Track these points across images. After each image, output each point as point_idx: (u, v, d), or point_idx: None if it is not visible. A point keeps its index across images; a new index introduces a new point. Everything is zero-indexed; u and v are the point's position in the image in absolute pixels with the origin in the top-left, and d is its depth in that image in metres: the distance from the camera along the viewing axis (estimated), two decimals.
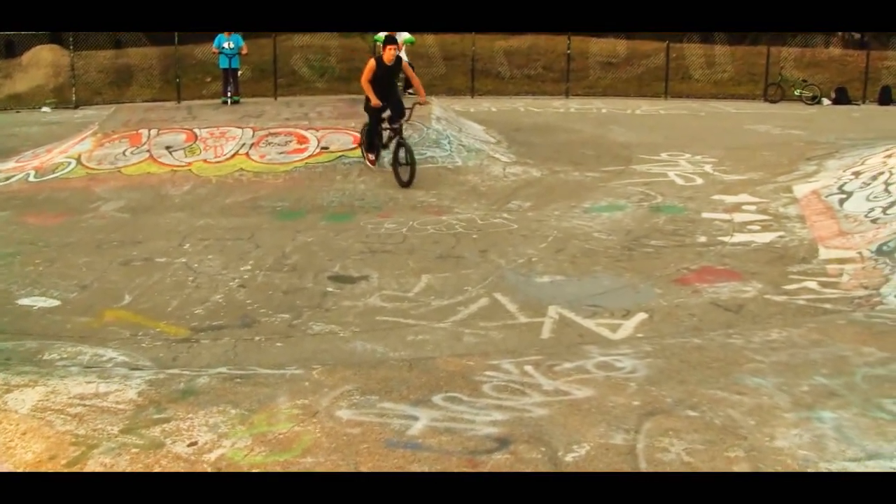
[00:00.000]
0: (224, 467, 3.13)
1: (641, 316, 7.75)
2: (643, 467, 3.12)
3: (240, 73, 19.51)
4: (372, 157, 13.96)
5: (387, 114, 13.55)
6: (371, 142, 13.87)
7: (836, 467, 3.19)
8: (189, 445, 3.30)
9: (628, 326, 7.40)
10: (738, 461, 3.21)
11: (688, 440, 3.34)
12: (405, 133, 13.57)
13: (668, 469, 3.13)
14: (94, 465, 3.15)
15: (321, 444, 3.28)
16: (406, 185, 13.17)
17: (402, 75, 20.54)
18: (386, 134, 13.79)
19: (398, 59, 13.55)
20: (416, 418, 3.52)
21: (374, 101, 13.08)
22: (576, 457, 3.19)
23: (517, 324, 7.91)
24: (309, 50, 29.23)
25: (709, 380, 3.98)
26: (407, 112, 13.41)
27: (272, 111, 17.36)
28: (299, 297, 8.65)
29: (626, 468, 3.12)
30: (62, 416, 3.56)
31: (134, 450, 3.26)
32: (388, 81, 13.61)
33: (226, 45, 18.92)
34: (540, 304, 8.33)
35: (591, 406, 3.65)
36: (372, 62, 13.46)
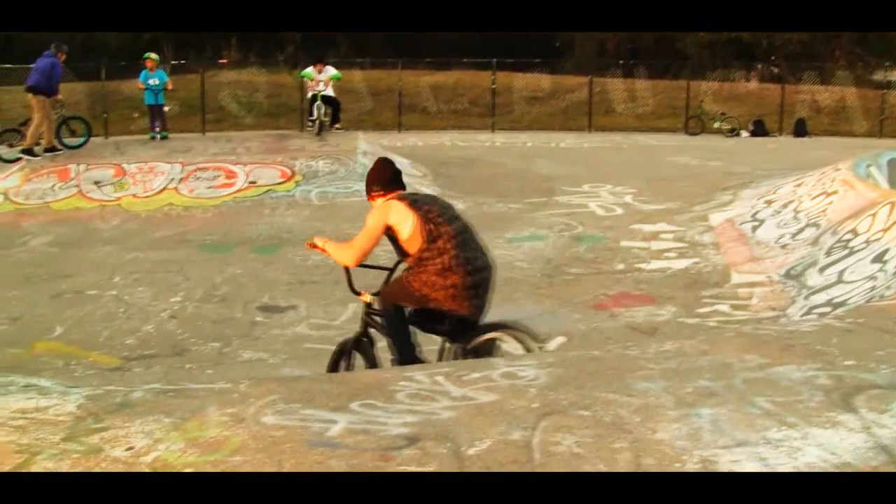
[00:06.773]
0: (160, 468, 3.45)
1: (560, 339, 8.19)
2: (537, 458, 3.51)
3: (166, 108, 19.73)
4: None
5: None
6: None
7: (708, 454, 3.61)
8: (126, 450, 3.61)
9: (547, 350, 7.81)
10: (622, 451, 3.61)
11: (578, 435, 3.74)
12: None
13: (559, 459, 3.52)
14: (37, 470, 3.44)
15: (248, 445, 3.62)
16: None
17: (327, 108, 20.07)
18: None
19: None
20: (334, 422, 3.87)
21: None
22: (478, 450, 3.57)
23: (440, 348, 8.26)
24: (237, 85, 29.48)
25: (603, 385, 4.39)
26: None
27: (200, 146, 17.69)
28: (229, 326, 8.93)
29: (522, 459, 3.50)
30: (4, 428, 3.83)
31: (75, 455, 3.55)
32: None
33: (151, 80, 19.13)
34: None
35: (494, 409, 4.04)
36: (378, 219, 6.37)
